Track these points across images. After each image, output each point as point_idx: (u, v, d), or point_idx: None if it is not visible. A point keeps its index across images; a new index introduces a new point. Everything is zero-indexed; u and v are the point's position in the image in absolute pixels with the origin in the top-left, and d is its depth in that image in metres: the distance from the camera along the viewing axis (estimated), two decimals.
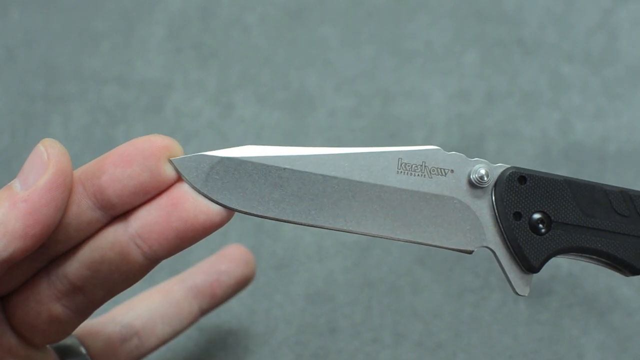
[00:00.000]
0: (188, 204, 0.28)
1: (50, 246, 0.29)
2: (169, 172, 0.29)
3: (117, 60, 0.57)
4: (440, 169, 0.30)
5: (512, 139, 0.53)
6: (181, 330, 0.39)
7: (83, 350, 0.35)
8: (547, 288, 0.48)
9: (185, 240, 0.29)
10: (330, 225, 0.29)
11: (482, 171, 0.30)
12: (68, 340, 0.34)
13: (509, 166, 0.30)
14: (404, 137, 0.53)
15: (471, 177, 0.30)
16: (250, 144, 0.53)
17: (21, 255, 0.28)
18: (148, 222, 0.29)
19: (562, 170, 0.52)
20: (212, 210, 0.29)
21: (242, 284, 0.41)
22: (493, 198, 0.30)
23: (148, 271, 0.30)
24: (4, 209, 0.27)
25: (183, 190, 0.29)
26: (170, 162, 0.29)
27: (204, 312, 0.40)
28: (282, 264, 0.49)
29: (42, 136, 0.54)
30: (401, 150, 0.29)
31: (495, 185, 0.30)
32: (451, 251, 0.30)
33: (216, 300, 0.40)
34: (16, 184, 0.28)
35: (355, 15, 0.58)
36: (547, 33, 0.57)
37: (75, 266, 0.30)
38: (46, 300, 0.30)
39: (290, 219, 0.29)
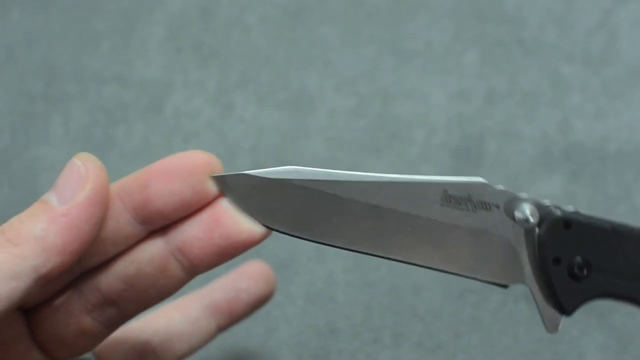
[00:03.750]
0: (230, 220, 0.29)
1: (85, 260, 0.29)
2: (211, 189, 0.29)
3: (117, 60, 0.57)
4: (486, 203, 0.29)
5: (512, 139, 0.53)
6: (198, 347, 0.39)
7: None
8: None
9: (226, 255, 0.29)
10: (370, 251, 0.29)
11: (528, 212, 0.29)
12: (85, 355, 0.34)
13: (555, 207, 0.29)
14: (404, 137, 0.53)
15: (516, 215, 0.29)
16: (251, 144, 0.53)
17: (59, 271, 0.27)
18: (189, 237, 0.29)
19: (562, 170, 0.52)
20: (253, 228, 0.29)
21: (261, 302, 0.40)
22: (536, 239, 0.29)
23: (184, 285, 0.30)
24: (43, 223, 0.27)
25: (225, 207, 0.29)
26: (212, 178, 0.29)
27: (221, 329, 0.40)
28: (282, 265, 0.49)
29: (42, 136, 0.54)
30: (447, 182, 0.29)
31: (539, 225, 0.29)
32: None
33: (234, 318, 0.40)
34: (52, 197, 0.28)
35: (355, 15, 0.58)
36: (547, 33, 0.57)
37: (110, 279, 0.30)
38: (76, 313, 0.30)
39: (329, 242, 0.28)
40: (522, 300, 0.47)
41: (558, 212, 0.29)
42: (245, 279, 0.40)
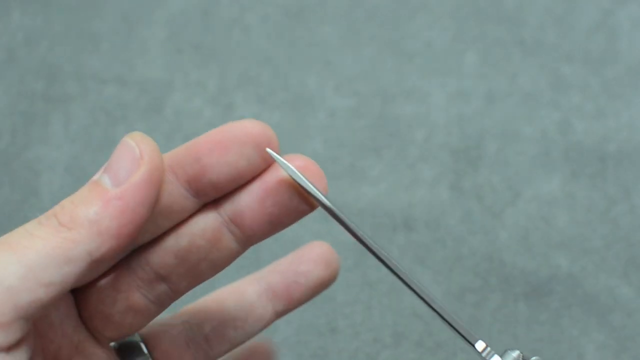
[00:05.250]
0: (282, 188, 0.29)
1: (138, 237, 0.29)
2: (265, 159, 0.29)
3: (117, 61, 0.57)
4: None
5: (512, 139, 0.53)
6: (253, 334, 0.37)
7: (145, 350, 0.33)
8: (547, 288, 0.48)
9: (279, 224, 0.29)
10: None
11: None
12: (130, 338, 0.33)
13: None
14: (404, 137, 0.53)
15: None
16: None
17: (113, 254, 0.27)
18: (242, 207, 0.29)
19: (562, 170, 0.52)
20: (305, 196, 0.29)
21: (321, 287, 0.38)
22: None
23: (236, 258, 0.30)
24: (97, 206, 0.27)
25: (277, 176, 0.29)
26: (268, 152, 0.29)
27: (279, 315, 0.37)
28: None
29: (43, 136, 0.54)
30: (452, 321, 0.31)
31: None
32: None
33: (292, 304, 0.37)
34: (105, 179, 0.27)
35: (355, 15, 0.58)
36: (547, 33, 0.57)
37: (161, 254, 0.29)
38: (125, 289, 0.30)
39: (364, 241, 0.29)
40: (522, 300, 0.47)
41: None
42: (305, 261, 0.37)
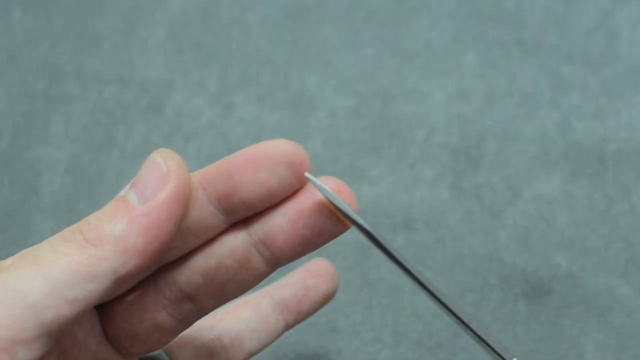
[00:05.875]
0: (316, 210, 0.28)
1: (164, 255, 0.29)
2: (298, 179, 0.28)
3: (117, 61, 0.57)
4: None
5: (512, 139, 0.53)
6: (267, 344, 0.38)
7: None
8: (547, 288, 0.48)
9: (310, 246, 0.29)
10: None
11: None
12: (155, 352, 0.33)
13: None
14: (404, 137, 0.53)
15: None
16: (251, 144, 0.53)
17: (139, 271, 0.27)
18: (273, 228, 0.28)
19: (562, 170, 0.52)
20: (339, 218, 0.29)
21: (326, 299, 0.40)
22: None
23: (264, 278, 0.30)
24: (123, 223, 0.26)
25: (310, 197, 0.28)
26: (307, 177, 0.28)
27: (289, 326, 0.39)
28: None
29: (43, 136, 0.54)
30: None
31: None
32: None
33: (302, 316, 0.39)
34: (131, 196, 0.27)
35: (355, 15, 0.58)
36: (547, 33, 0.57)
37: (187, 274, 0.29)
38: (151, 308, 0.29)
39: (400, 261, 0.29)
40: (522, 300, 0.47)
41: None
42: (312, 276, 0.39)
